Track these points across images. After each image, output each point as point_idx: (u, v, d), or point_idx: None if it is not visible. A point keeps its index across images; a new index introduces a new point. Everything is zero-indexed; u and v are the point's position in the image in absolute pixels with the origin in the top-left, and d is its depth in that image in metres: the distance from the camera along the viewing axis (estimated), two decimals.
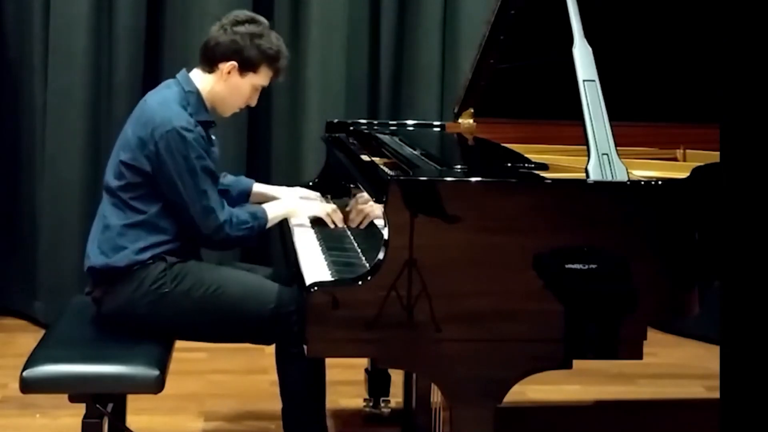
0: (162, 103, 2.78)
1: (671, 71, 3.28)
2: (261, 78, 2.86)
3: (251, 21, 2.86)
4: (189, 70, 2.89)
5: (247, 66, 2.82)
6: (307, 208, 3.04)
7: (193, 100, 2.81)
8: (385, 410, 3.54)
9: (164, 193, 2.73)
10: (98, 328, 2.77)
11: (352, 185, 3.13)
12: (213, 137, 2.91)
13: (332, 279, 2.46)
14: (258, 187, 3.19)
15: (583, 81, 2.54)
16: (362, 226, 2.88)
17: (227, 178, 3.14)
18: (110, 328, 2.77)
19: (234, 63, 2.81)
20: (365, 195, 2.73)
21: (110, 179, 2.80)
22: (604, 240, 2.33)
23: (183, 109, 2.76)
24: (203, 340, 2.95)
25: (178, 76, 2.88)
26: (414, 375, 3.31)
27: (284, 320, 2.69)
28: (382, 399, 3.55)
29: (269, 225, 2.89)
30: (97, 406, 2.57)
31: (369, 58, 4.75)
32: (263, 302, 2.72)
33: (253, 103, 2.93)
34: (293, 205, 3.04)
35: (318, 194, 3.21)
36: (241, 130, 4.56)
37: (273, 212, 2.91)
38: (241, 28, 2.82)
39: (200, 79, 2.86)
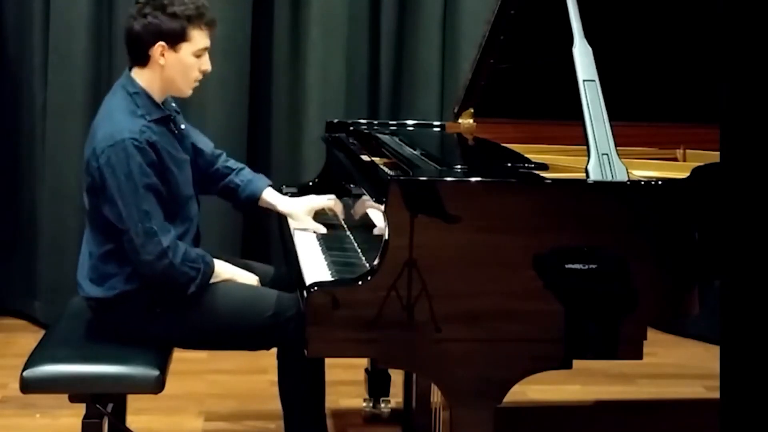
0: (107, 116, 2.67)
1: (671, 71, 3.28)
2: (197, 42, 2.68)
3: None
4: (131, 68, 2.76)
5: (174, 39, 2.65)
6: (245, 278, 2.84)
7: (141, 100, 2.67)
8: (385, 410, 3.54)
9: (106, 213, 2.61)
10: (98, 329, 2.77)
11: (352, 185, 3.13)
12: (183, 126, 2.82)
13: (332, 279, 2.46)
14: (268, 195, 3.04)
15: (583, 81, 2.54)
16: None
17: (241, 175, 3.03)
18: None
19: (161, 43, 2.65)
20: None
21: (85, 202, 2.72)
22: (604, 240, 2.33)
23: (131, 115, 2.64)
24: (201, 350, 2.96)
25: (122, 78, 2.75)
26: (414, 375, 3.32)
27: (282, 327, 2.68)
28: (382, 399, 3.55)
29: (212, 279, 2.70)
30: (97, 406, 2.57)
31: (369, 58, 4.75)
32: (259, 312, 2.70)
33: (208, 67, 2.74)
34: (235, 272, 2.81)
35: (332, 196, 3.11)
36: (241, 130, 4.57)
37: (219, 269, 2.74)
38: (147, 9, 2.65)
39: (141, 76, 2.70)
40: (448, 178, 2.35)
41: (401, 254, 2.24)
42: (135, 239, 2.58)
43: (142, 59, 2.71)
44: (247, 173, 3.07)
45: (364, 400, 3.56)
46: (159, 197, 2.62)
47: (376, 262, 2.26)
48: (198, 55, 2.71)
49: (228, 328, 2.72)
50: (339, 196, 3.32)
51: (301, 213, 3.04)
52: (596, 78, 2.55)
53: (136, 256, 2.60)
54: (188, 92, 2.78)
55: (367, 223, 2.81)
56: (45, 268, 4.51)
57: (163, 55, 2.68)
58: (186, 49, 2.69)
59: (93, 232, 2.72)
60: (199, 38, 2.70)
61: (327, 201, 3.09)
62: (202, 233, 2.92)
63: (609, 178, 2.43)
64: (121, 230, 2.61)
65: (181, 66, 2.70)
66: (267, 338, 2.74)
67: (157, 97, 2.74)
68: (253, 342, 2.77)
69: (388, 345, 2.28)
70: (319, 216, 3.09)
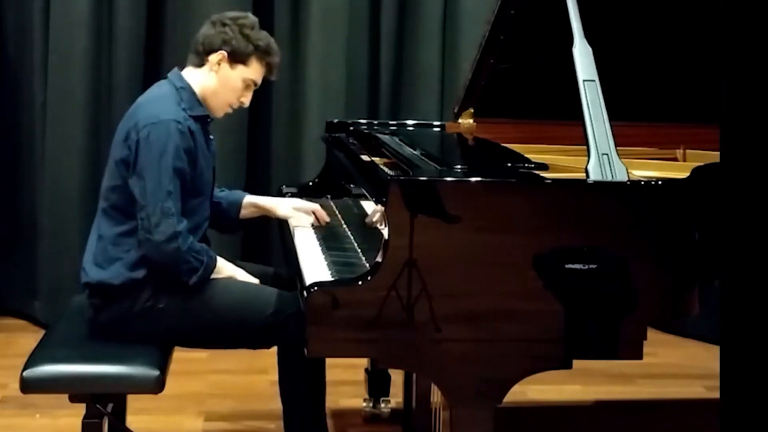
0: (152, 101, 2.77)
1: (671, 71, 3.28)
2: (252, 72, 2.82)
3: (241, 16, 2.85)
4: (181, 69, 2.87)
5: (236, 57, 2.79)
6: (246, 278, 2.85)
7: (186, 95, 2.78)
8: (385, 410, 3.54)
9: (131, 185, 2.66)
10: (98, 329, 2.77)
11: (352, 185, 3.13)
12: (211, 137, 2.89)
13: (332, 279, 2.46)
14: (250, 198, 3.12)
15: (583, 81, 2.54)
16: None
17: (222, 192, 3.10)
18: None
19: (223, 53, 2.78)
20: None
21: (104, 182, 2.77)
22: (604, 240, 2.33)
23: (176, 105, 2.74)
24: (202, 348, 2.96)
25: (170, 74, 2.86)
26: (414, 375, 3.31)
27: (282, 325, 2.68)
28: (382, 399, 3.55)
29: (214, 275, 2.74)
30: (97, 406, 2.57)
31: (369, 59, 4.75)
32: (260, 309, 2.70)
33: (247, 101, 2.88)
34: (236, 271, 2.85)
35: (315, 205, 3.14)
36: (241, 130, 4.56)
37: (221, 265, 2.78)
38: (228, 21, 2.81)
39: (191, 74, 2.83)
40: (448, 178, 2.35)
41: (401, 254, 2.24)
42: (152, 216, 2.62)
43: (199, 60, 2.83)
44: (226, 189, 3.15)
45: (364, 400, 3.56)
46: (183, 185, 2.68)
47: (376, 261, 2.26)
48: (246, 85, 2.84)
49: (228, 326, 2.72)
50: (339, 196, 3.32)
51: (288, 208, 3.09)
52: (596, 78, 2.55)
53: (147, 234, 2.63)
54: (220, 114, 2.89)
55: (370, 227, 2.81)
56: (45, 268, 4.51)
57: (219, 63, 2.80)
58: (240, 71, 2.81)
59: (109, 213, 2.74)
60: (256, 70, 2.83)
61: (313, 205, 3.11)
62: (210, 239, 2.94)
63: (609, 178, 2.43)
64: (132, 213, 2.66)
65: (229, 83, 2.82)
66: (267, 336, 2.74)
67: (199, 99, 2.83)
68: (253, 340, 2.77)
69: (388, 345, 2.28)
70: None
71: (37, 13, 4.46)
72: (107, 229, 2.73)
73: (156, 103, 2.75)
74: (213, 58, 2.80)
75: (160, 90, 2.82)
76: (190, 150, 2.70)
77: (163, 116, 2.67)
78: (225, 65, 2.80)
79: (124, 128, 2.73)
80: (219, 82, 2.81)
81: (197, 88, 2.82)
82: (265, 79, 2.88)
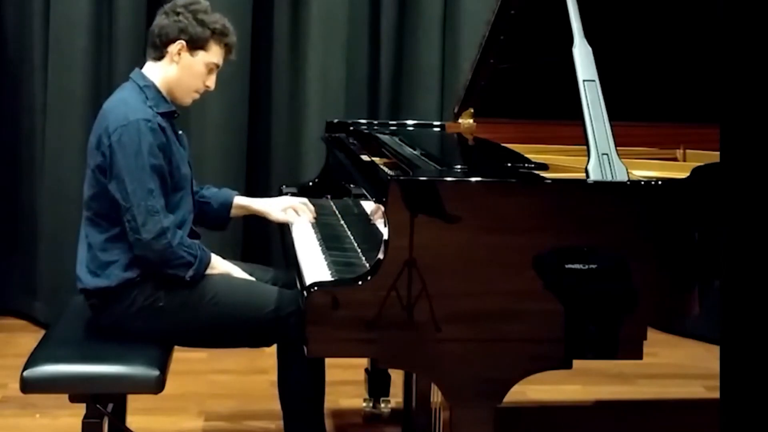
0: (118, 102, 2.76)
1: (671, 71, 3.28)
2: (212, 55, 2.81)
3: (193, 2, 2.82)
4: (142, 66, 2.86)
5: (195, 43, 2.78)
6: (242, 275, 2.87)
7: (151, 93, 2.77)
8: (385, 410, 3.54)
9: (111, 191, 2.66)
10: (98, 329, 2.77)
11: (352, 185, 3.13)
12: (180, 132, 2.88)
13: (332, 279, 2.46)
14: (240, 200, 3.12)
15: (583, 81, 2.54)
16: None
17: (209, 190, 3.10)
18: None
19: (182, 42, 2.77)
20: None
21: (85, 191, 2.77)
22: (604, 240, 2.33)
23: (143, 104, 2.73)
24: (202, 347, 2.96)
25: (132, 74, 2.84)
26: (414, 375, 3.31)
27: (283, 323, 2.68)
28: (382, 399, 3.55)
29: (208, 270, 2.74)
30: (97, 406, 2.57)
31: (369, 58, 4.76)
32: (260, 307, 2.71)
33: (212, 85, 2.86)
34: (231, 268, 2.86)
35: (305, 199, 3.17)
36: (241, 130, 4.57)
37: (215, 261, 2.79)
38: (180, 9, 2.79)
39: (152, 70, 2.82)
40: (448, 178, 2.35)
41: (401, 254, 2.24)
42: (137, 217, 2.63)
43: (158, 53, 2.81)
44: (214, 188, 3.13)
45: (364, 400, 3.56)
46: (163, 182, 2.68)
47: (376, 261, 2.26)
48: (209, 69, 2.83)
49: (229, 323, 2.72)
50: (339, 196, 3.32)
51: (278, 210, 3.09)
52: (596, 78, 2.55)
53: (136, 235, 2.63)
54: (188, 101, 2.87)
55: (368, 224, 2.81)
56: (45, 267, 4.51)
57: (180, 53, 2.78)
58: (201, 57, 2.80)
59: (93, 221, 2.74)
60: (215, 53, 2.82)
61: (299, 203, 3.13)
62: (201, 234, 2.93)
63: (609, 178, 2.43)
64: (116, 217, 2.66)
65: (192, 71, 2.80)
66: (267, 334, 2.75)
67: (164, 95, 2.82)
68: (253, 338, 2.77)
69: (388, 345, 2.28)
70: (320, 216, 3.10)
71: (37, 13, 4.46)
72: (94, 236, 2.73)
73: (123, 105, 2.74)
74: (172, 48, 2.78)
75: (124, 92, 2.81)
76: (164, 146, 2.70)
77: (131, 117, 2.66)
78: (185, 54, 2.78)
79: (95, 135, 2.73)
80: (182, 71, 2.80)
81: (160, 83, 2.81)
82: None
